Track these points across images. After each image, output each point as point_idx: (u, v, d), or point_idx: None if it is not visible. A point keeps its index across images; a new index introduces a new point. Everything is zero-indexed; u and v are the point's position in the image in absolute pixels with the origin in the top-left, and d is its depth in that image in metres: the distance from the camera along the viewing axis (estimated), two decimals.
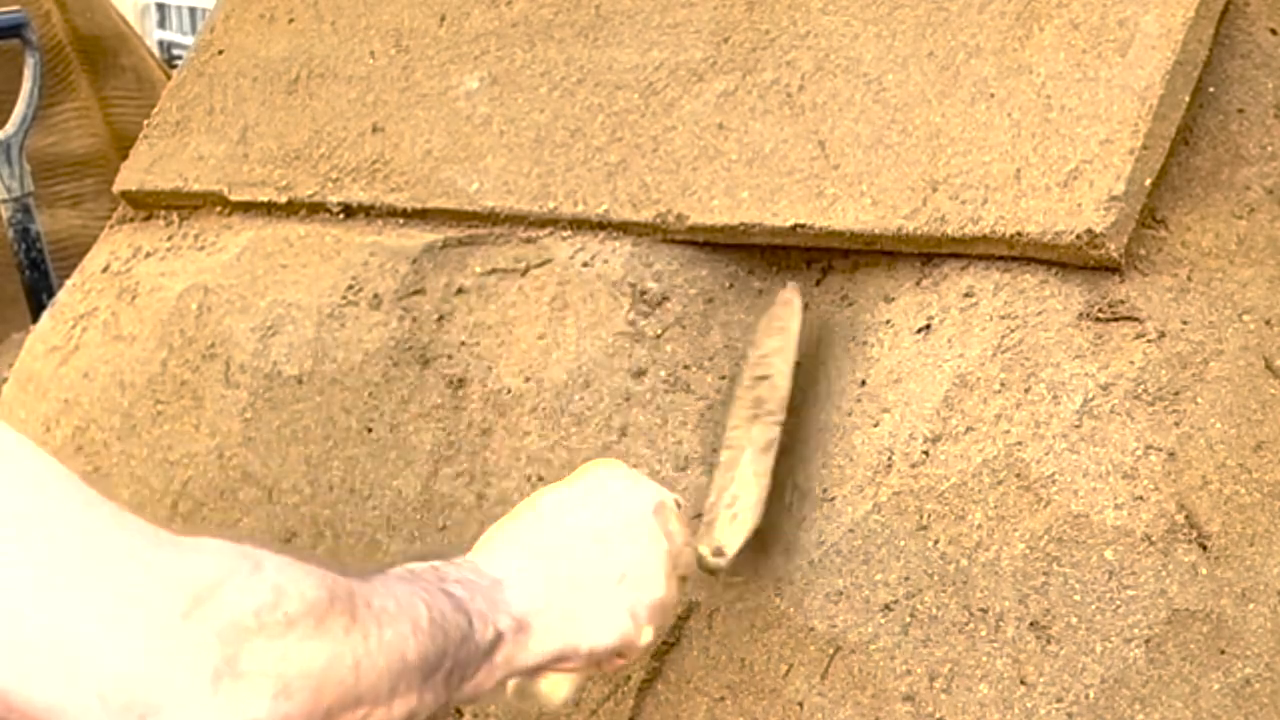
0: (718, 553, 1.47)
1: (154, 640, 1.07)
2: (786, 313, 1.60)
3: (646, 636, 1.37)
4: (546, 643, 1.30)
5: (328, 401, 1.78)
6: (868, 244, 1.63)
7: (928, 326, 1.58)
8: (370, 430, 1.76)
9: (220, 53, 2.02)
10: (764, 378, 1.58)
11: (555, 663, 1.32)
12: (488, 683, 1.26)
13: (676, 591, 1.39)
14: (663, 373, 1.68)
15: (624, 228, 1.73)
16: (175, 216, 1.99)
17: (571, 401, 1.69)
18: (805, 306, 1.61)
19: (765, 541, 1.53)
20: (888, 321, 1.62)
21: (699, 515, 1.51)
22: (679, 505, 1.42)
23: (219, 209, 1.95)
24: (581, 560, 1.36)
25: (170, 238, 1.97)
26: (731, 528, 1.49)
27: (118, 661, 1.06)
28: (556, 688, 1.35)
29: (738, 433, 1.55)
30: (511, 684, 1.30)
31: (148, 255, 1.97)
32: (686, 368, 1.68)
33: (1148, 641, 1.42)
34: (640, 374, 1.68)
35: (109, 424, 1.89)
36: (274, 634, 1.10)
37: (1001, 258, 1.57)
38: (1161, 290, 1.53)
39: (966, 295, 1.58)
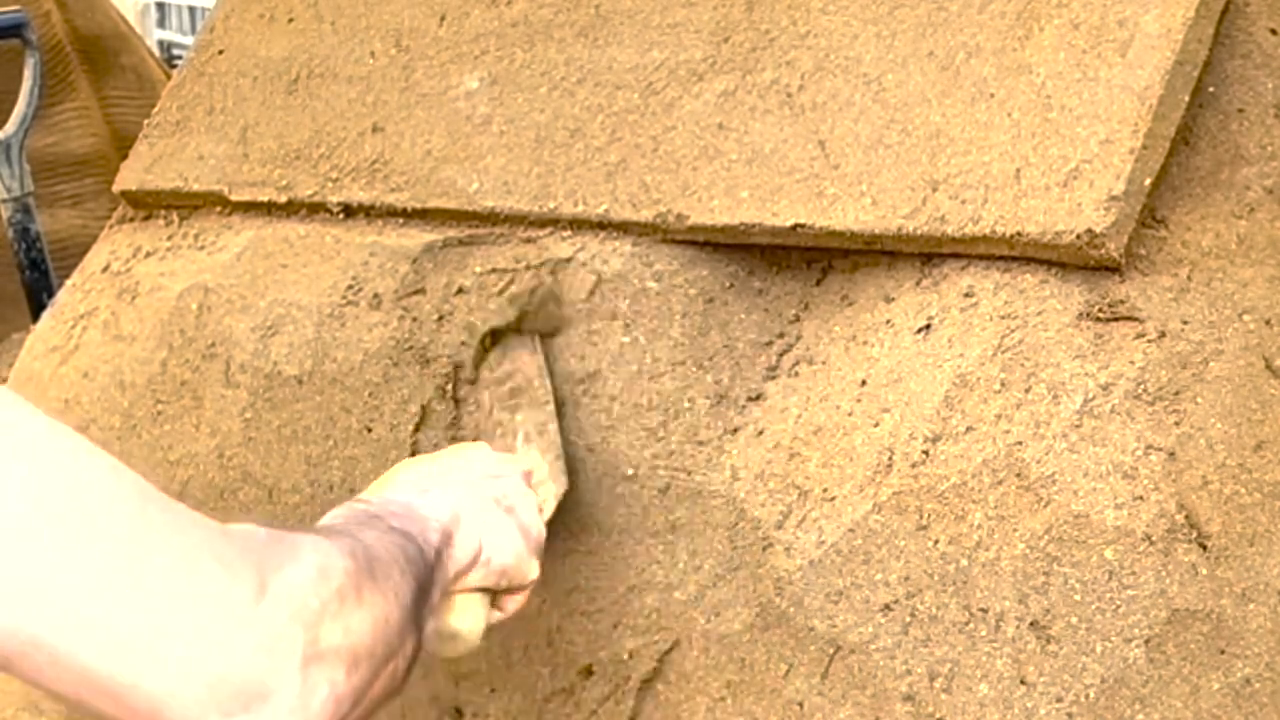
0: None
1: (243, 630, 1.12)
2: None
3: (534, 570, 1.48)
4: (467, 546, 1.38)
5: (328, 401, 1.78)
6: (868, 244, 1.63)
7: (928, 326, 1.58)
8: (370, 430, 1.76)
9: (220, 53, 2.02)
10: (510, 376, 1.69)
11: (472, 568, 1.39)
12: (434, 602, 1.34)
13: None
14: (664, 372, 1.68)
15: (624, 228, 1.73)
16: (175, 216, 1.99)
17: (574, 401, 1.69)
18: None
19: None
20: (888, 321, 1.62)
21: None
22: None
23: (219, 209, 1.95)
24: (474, 485, 1.46)
25: (170, 238, 1.97)
26: (541, 493, 1.60)
27: (219, 652, 1.11)
28: (467, 612, 1.42)
29: (503, 430, 1.68)
30: (429, 626, 1.34)
31: (148, 255, 1.97)
32: (684, 365, 1.68)
33: (1148, 641, 1.42)
34: (640, 373, 1.68)
35: (109, 424, 1.89)
36: (333, 612, 1.16)
37: (1001, 258, 1.57)
38: (1161, 290, 1.53)
39: (966, 295, 1.58)
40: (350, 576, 1.19)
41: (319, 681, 1.15)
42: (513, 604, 1.49)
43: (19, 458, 1.08)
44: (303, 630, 1.14)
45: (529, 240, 1.77)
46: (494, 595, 1.46)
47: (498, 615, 1.48)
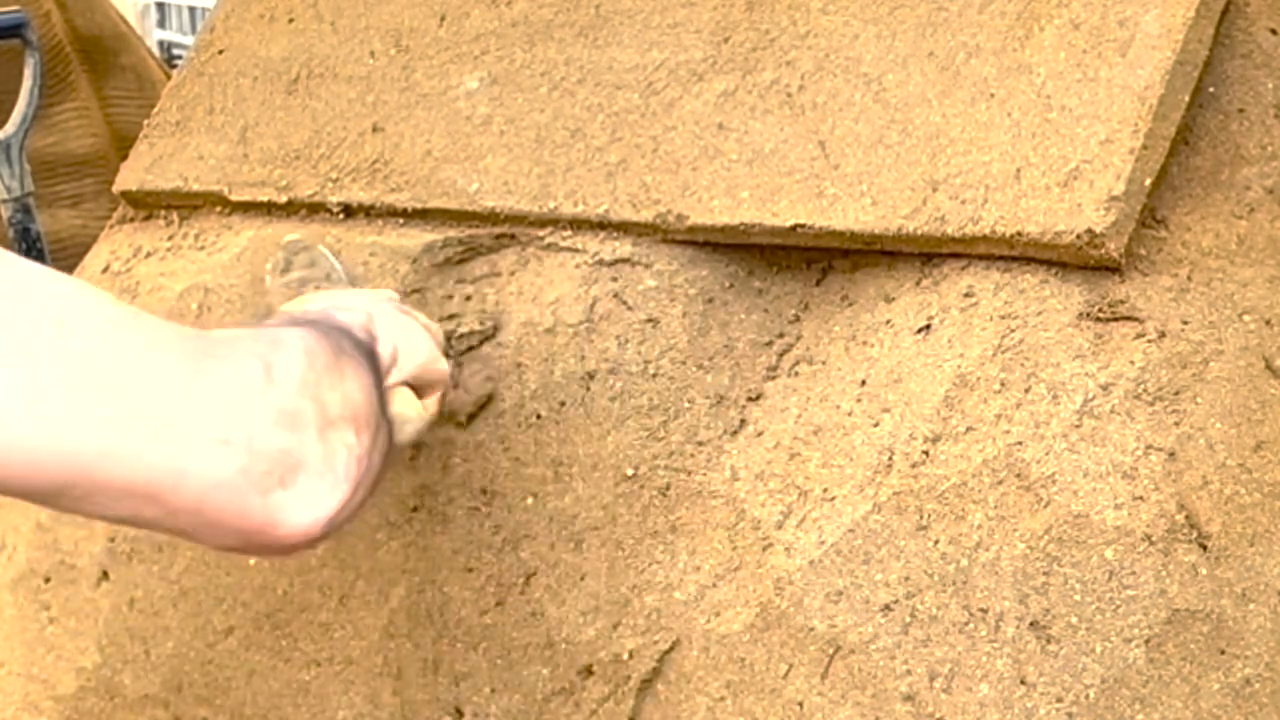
0: None
1: (264, 410, 1.22)
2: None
3: (445, 365, 1.58)
4: (386, 344, 1.45)
5: None
6: (868, 244, 1.63)
7: (928, 326, 1.58)
8: None
9: (220, 53, 2.02)
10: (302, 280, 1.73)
11: (394, 365, 1.46)
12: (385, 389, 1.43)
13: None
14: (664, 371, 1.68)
15: (624, 228, 1.73)
16: (175, 216, 1.99)
17: (575, 400, 1.69)
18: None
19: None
20: (888, 321, 1.62)
21: None
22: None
23: (219, 209, 1.95)
24: (371, 301, 1.54)
25: (170, 238, 1.97)
26: None
27: (248, 434, 1.21)
28: (406, 402, 1.49)
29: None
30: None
31: (148, 255, 1.97)
32: (684, 365, 1.68)
33: (1148, 641, 1.42)
34: (640, 373, 1.68)
35: None
36: (329, 383, 1.28)
37: (1001, 258, 1.57)
38: (1161, 290, 1.53)
39: (966, 295, 1.58)
40: (329, 354, 1.29)
41: (337, 446, 1.26)
42: (432, 403, 1.56)
43: (23, 292, 1.15)
44: (311, 401, 1.24)
45: (529, 240, 1.77)
46: (417, 393, 1.53)
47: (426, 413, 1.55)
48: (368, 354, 1.39)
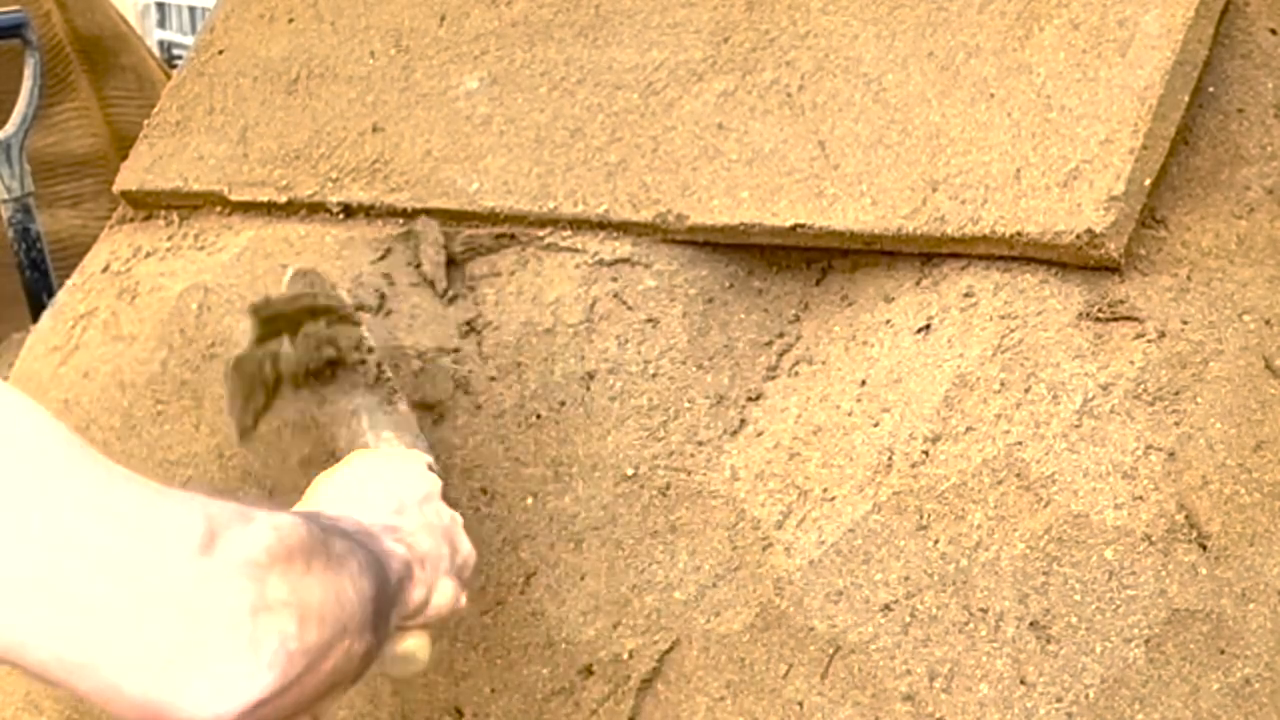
0: None
1: (187, 583, 1.10)
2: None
3: (458, 599, 1.44)
4: (420, 592, 1.36)
5: None
6: (868, 244, 1.63)
7: (928, 326, 1.58)
8: None
9: (220, 53, 2.02)
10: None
11: (419, 613, 1.38)
12: (393, 622, 1.33)
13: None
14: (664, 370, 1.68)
15: (624, 228, 1.73)
16: (175, 216, 1.99)
17: (575, 400, 1.69)
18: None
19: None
20: (888, 321, 1.62)
21: None
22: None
23: (219, 209, 1.95)
24: (424, 521, 1.43)
25: (170, 238, 1.97)
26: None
27: (165, 613, 1.09)
28: (416, 638, 1.41)
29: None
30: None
31: (148, 255, 1.97)
32: (684, 365, 1.69)
33: (1148, 641, 1.42)
34: (640, 373, 1.68)
35: (109, 424, 1.89)
36: (285, 570, 1.15)
37: (1001, 258, 1.57)
38: (1161, 290, 1.53)
39: (966, 295, 1.58)
40: (303, 544, 1.18)
41: (268, 631, 1.13)
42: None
43: None
44: (250, 582, 1.12)
45: (529, 240, 1.77)
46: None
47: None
48: (382, 575, 1.29)
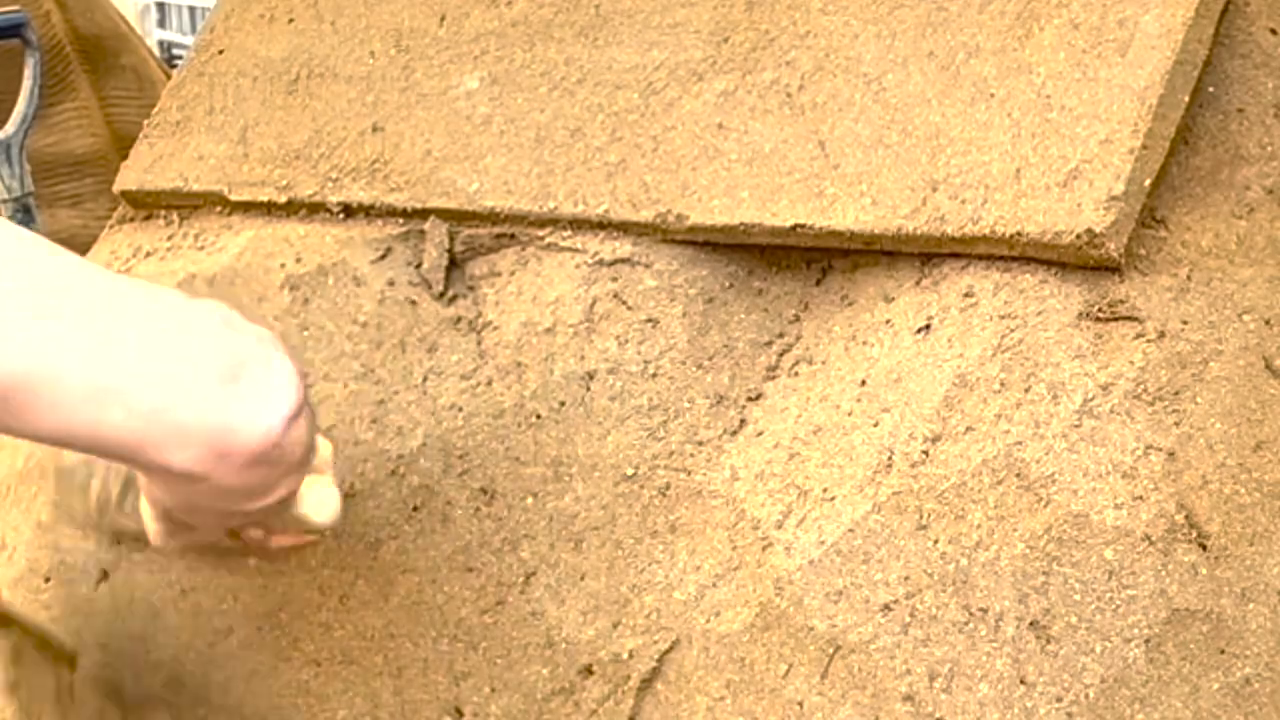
0: None
1: (218, 333, 1.30)
2: None
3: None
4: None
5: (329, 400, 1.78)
6: (868, 244, 1.63)
7: (928, 326, 1.58)
8: (375, 424, 1.76)
9: (220, 53, 2.02)
10: None
11: None
12: None
13: None
14: (664, 370, 1.68)
15: (624, 228, 1.73)
16: (175, 216, 1.99)
17: (575, 400, 1.69)
18: None
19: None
20: (888, 321, 1.62)
21: None
22: None
23: (219, 209, 1.95)
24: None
25: (170, 237, 1.97)
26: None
27: (204, 351, 1.28)
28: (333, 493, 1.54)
29: None
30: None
31: (148, 255, 1.97)
32: (684, 365, 1.69)
33: (1148, 641, 1.42)
34: (640, 373, 1.68)
35: None
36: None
37: (1001, 258, 1.57)
38: (1161, 290, 1.53)
39: (966, 295, 1.58)
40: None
41: (273, 352, 1.30)
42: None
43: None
44: (263, 330, 1.32)
45: (529, 240, 1.77)
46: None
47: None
48: None
